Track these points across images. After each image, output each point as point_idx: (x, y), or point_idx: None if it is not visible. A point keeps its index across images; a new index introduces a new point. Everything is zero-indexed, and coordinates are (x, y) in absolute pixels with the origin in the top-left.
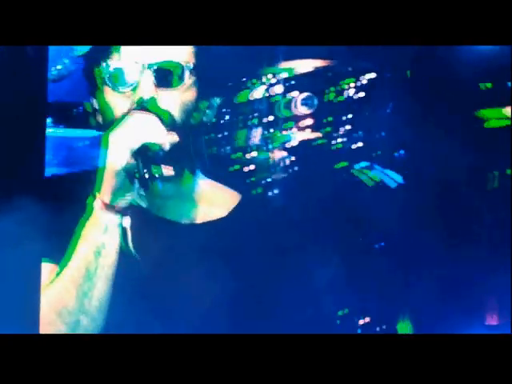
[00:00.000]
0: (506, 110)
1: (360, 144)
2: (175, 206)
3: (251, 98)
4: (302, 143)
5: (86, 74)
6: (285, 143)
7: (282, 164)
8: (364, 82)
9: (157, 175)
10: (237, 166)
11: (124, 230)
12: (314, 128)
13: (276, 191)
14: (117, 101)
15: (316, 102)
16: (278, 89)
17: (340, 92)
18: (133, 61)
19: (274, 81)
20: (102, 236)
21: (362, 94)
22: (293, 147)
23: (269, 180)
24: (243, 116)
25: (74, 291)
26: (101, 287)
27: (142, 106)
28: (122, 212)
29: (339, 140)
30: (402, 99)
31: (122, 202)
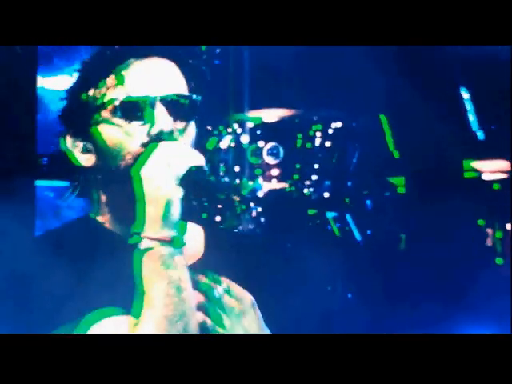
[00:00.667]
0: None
1: (326, 194)
2: None
3: (219, 146)
4: (271, 192)
5: (73, 110)
6: (254, 192)
7: (251, 213)
8: (330, 131)
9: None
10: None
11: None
12: (281, 177)
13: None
14: (126, 134)
15: (282, 151)
16: (245, 138)
17: (307, 139)
18: (144, 93)
19: (239, 130)
20: (171, 271)
21: (328, 144)
22: (261, 196)
23: (240, 228)
24: (211, 163)
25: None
26: (191, 313)
27: (162, 138)
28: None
29: (307, 189)
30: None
31: (173, 232)
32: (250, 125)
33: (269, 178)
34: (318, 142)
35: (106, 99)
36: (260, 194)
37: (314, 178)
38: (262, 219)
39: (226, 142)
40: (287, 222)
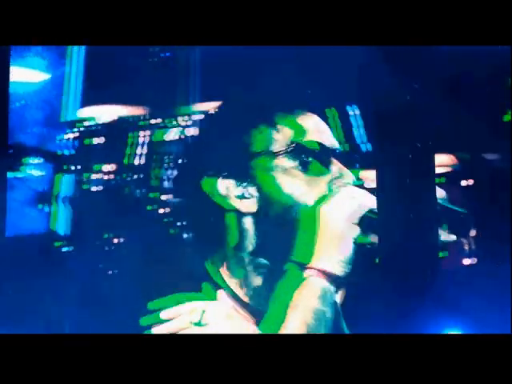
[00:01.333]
0: None
1: None
2: None
3: (166, 139)
4: None
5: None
6: None
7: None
8: None
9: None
10: (150, 207)
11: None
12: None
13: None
14: (305, 183)
15: None
16: (194, 131)
17: None
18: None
19: (189, 123)
20: (320, 303)
21: None
22: None
23: (185, 223)
24: (158, 156)
25: None
26: None
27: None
28: (338, 280)
29: None
30: None
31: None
32: (197, 117)
33: None
34: None
35: (281, 145)
36: None
37: None
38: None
39: (172, 135)
40: None
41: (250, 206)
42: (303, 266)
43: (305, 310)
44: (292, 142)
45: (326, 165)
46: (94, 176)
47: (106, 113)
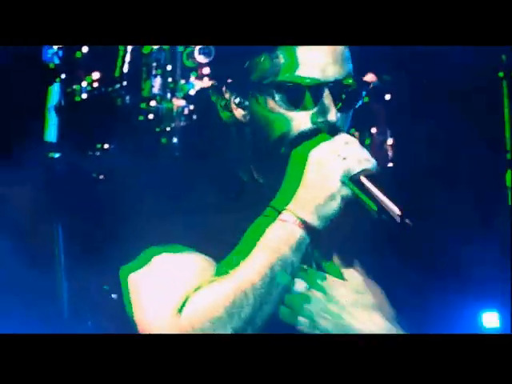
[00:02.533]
0: None
1: None
2: None
3: (154, 48)
4: (204, 91)
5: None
6: (188, 92)
7: (185, 112)
8: None
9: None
10: (141, 117)
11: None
12: (212, 76)
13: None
14: (286, 117)
15: (213, 50)
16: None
17: None
18: (314, 76)
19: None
20: (291, 254)
21: None
22: (193, 94)
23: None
24: (147, 67)
25: (251, 299)
26: (275, 300)
27: (328, 127)
28: (314, 231)
29: None
30: None
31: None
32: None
33: (201, 77)
34: None
35: (273, 76)
36: (192, 92)
37: None
38: (194, 116)
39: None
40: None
41: (245, 115)
42: (280, 211)
43: (272, 252)
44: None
45: (314, 100)
46: (84, 86)
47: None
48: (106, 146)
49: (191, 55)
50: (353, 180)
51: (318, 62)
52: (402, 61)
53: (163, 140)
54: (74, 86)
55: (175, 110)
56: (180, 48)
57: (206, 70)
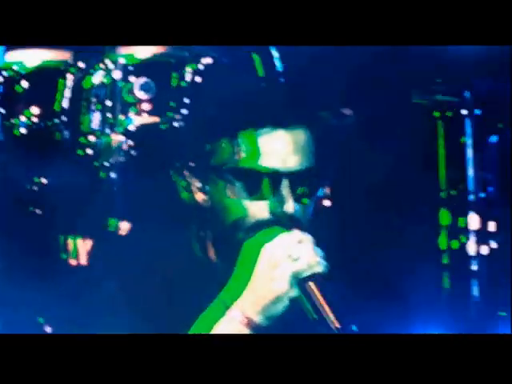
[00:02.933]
0: None
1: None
2: None
3: (94, 83)
4: (143, 127)
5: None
6: (127, 127)
7: (123, 147)
8: (201, 67)
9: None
10: (81, 152)
11: None
12: (153, 112)
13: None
14: (243, 205)
15: (153, 87)
16: (117, 74)
17: (182, 77)
18: (271, 165)
19: (113, 66)
20: None
21: (199, 79)
22: (134, 131)
23: (111, 162)
24: (86, 102)
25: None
26: None
27: (283, 219)
28: (260, 330)
29: (180, 124)
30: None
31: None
32: (122, 61)
33: (142, 113)
34: (190, 78)
35: (233, 163)
36: (131, 127)
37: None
38: (133, 152)
39: (98, 78)
40: (158, 155)
41: (205, 200)
42: (228, 306)
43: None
44: (242, 163)
45: (273, 189)
46: (23, 120)
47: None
48: (44, 180)
49: (131, 91)
50: (300, 284)
51: (278, 151)
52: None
53: (102, 174)
54: (13, 120)
55: (114, 145)
56: (120, 83)
57: (146, 106)
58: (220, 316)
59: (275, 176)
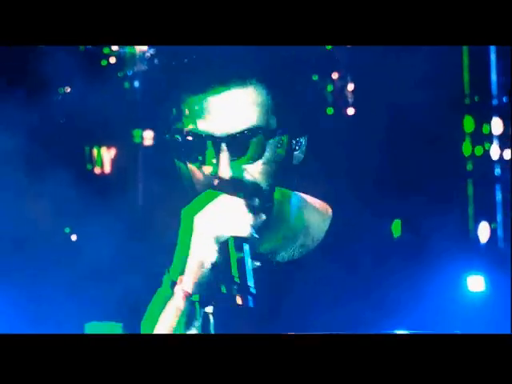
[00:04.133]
0: None
1: None
2: None
3: None
4: None
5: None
6: None
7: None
8: None
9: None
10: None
11: (207, 318)
12: None
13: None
14: (187, 169)
15: None
16: None
17: None
18: (209, 129)
19: None
20: (181, 318)
21: None
22: None
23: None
24: None
25: None
26: None
27: (221, 185)
28: (205, 303)
29: None
30: None
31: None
32: None
33: None
34: None
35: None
36: None
37: None
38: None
39: None
40: None
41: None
42: (173, 282)
43: (171, 327)
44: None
45: (212, 157)
46: None
47: None
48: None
49: None
50: (224, 249)
51: (220, 114)
52: None
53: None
54: None
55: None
56: None
57: None
58: (169, 294)
59: (214, 139)
